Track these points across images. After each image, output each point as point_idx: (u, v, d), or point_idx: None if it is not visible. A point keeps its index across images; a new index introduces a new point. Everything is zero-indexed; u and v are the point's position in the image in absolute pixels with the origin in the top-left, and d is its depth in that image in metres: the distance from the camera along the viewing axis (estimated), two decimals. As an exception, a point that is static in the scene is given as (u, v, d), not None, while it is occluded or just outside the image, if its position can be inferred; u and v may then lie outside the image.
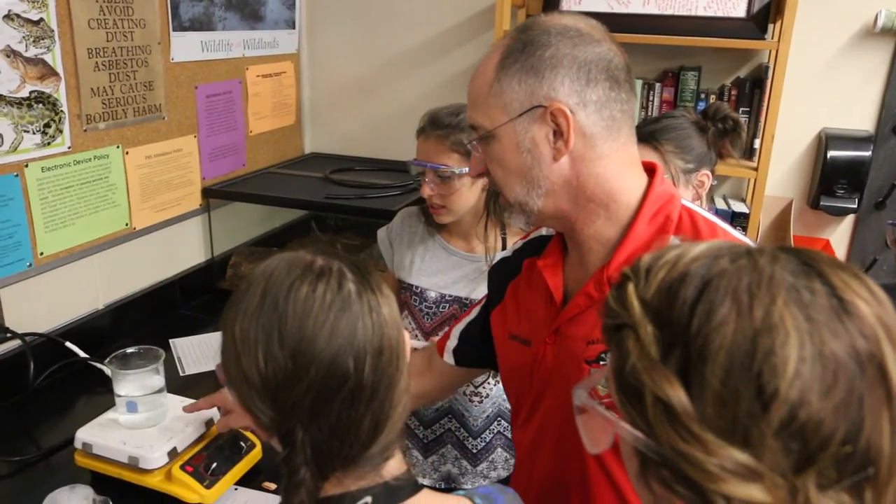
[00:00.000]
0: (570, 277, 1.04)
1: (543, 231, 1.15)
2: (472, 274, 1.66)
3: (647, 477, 0.58)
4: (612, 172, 0.95)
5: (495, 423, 1.71)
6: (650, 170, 1.01)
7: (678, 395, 0.53)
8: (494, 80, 0.94)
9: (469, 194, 1.60)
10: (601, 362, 0.94)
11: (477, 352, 1.23)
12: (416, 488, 0.78)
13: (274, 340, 0.70)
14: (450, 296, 1.67)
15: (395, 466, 0.77)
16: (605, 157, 0.94)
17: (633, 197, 0.97)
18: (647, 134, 1.58)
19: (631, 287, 0.59)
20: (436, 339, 1.37)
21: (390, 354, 0.74)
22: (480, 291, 1.64)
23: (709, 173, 1.63)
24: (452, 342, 1.27)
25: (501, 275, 1.18)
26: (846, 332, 0.52)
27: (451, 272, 1.68)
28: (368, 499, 0.74)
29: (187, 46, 2.16)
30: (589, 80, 0.91)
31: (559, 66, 0.91)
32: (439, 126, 1.58)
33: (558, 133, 0.92)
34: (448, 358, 1.25)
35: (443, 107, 1.62)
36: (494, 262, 1.25)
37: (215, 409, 1.47)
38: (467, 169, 1.51)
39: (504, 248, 1.66)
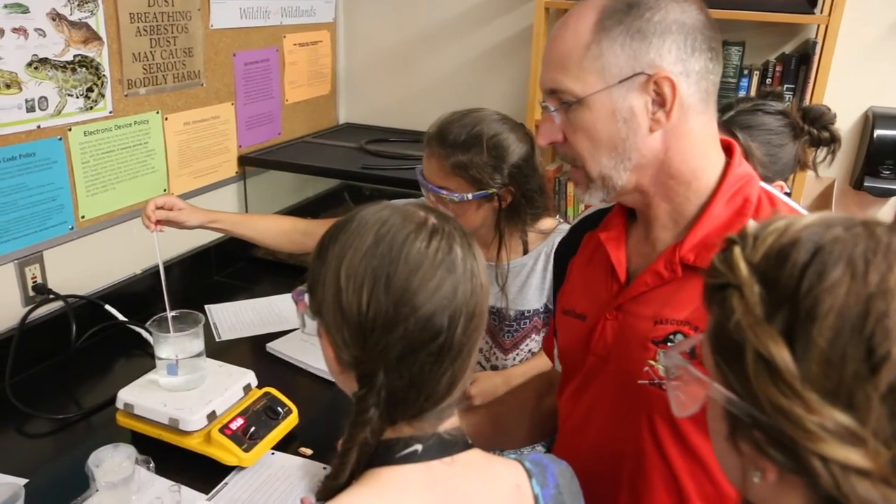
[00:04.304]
0: (633, 252, 1.00)
1: (604, 204, 1.10)
2: (495, 281, 1.60)
3: (737, 439, 0.58)
4: (698, 149, 0.91)
5: None
6: (726, 148, 0.96)
7: (781, 354, 0.53)
8: (592, 42, 0.87)
9: (474, 216, 1.52)
10: (669, 343, 0.91)
11: None
12: (467, 446, 0.80)
13: (381, 285, 0.72)
14: None
15: (450, 423, 0.79)
16: (693, 133, 0.90)
17: (712, 176, 0.93)
18: (739, 124, 1.44)
19: (737, 250, 0.59)
20: None
21: (479, 320, 0.77)
22: (504, 298, 1.60)
23: (783, 184, 1.48)
24: (555, 349, 1.21)
25: (562, 256, 1.15)
26: None
27: None
28: (418, 447, 0.76)
29: (226, 13, 2.15)
30: (694, 49, 0.87)
31: (668, 32, 0.86)
32: (444, 142, 1.47)
33: (657, 103, 0.87)
34: (558, 365, 1.20)
35: (459, 114, 1.52)
36: (556, 245, 1.21)
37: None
38: (470, 196, 1.46)
39: (525, 251, 1.60)
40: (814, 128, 1.48)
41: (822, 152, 1.51)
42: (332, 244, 0.77)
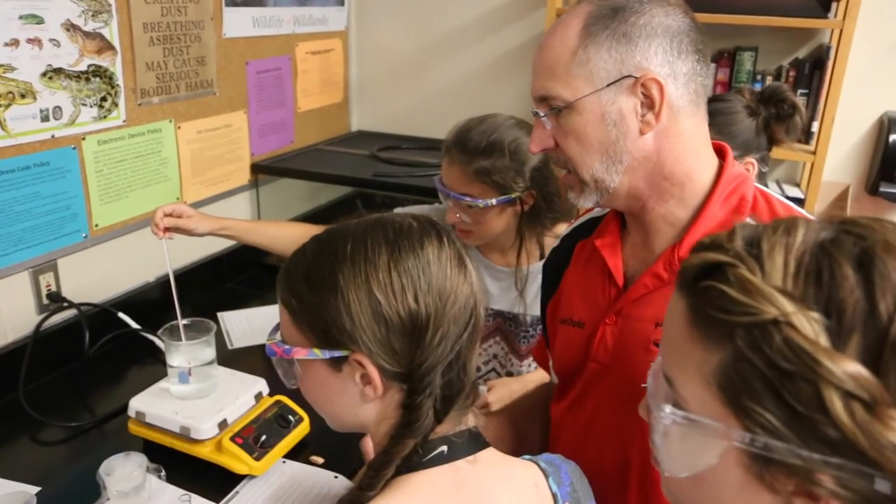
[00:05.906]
0: (629, 257, 1.01)
1: (595, 213, 1.11)
2: (512, 287, 1.61)
3: (773, 478, 0.52)
4: (691, 150, 0.93)
5: None
6: (718, 150, 0.98)
7: (872, 385, 0.47)
8: (579, 48, 0.89)
9: (497, 222, 1.53)
10: None
11: None
12: (486, 443, 0.82)
13: (422, 283, 0.77)
14: (492, 309, 1.64)
15: (471, 418, 0.83)
16: (685, 134, 0.91)
17: (706, 177, 0.94)
18: None
19: (748, 274, 0.52)
20: None
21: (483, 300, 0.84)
22: (522, 303, 1.61)
23: (754, 161, 1.53)
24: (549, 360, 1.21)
25: (554, 266, 1.16)
26: None
27: (491, 286, 1.65)
28: (444, 448, 0.78)
29: (239, 22, 2.17)
30: (681, 51, 0.88)
31: (654, 35, 0.87)
32: (464, 149, 1.48)
33: (646, 105, 0.89)
34: (554, 377, 1.20)
35: (476, 121, 1.53)
36: (546, 257, 1.21)
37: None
38: (494, 201, 1.47)
39: (542, 256, 1.59)
40: (771, 105, 1.52)
41: (793, 127, 1.55)
42: (333, 272, 0.78)
